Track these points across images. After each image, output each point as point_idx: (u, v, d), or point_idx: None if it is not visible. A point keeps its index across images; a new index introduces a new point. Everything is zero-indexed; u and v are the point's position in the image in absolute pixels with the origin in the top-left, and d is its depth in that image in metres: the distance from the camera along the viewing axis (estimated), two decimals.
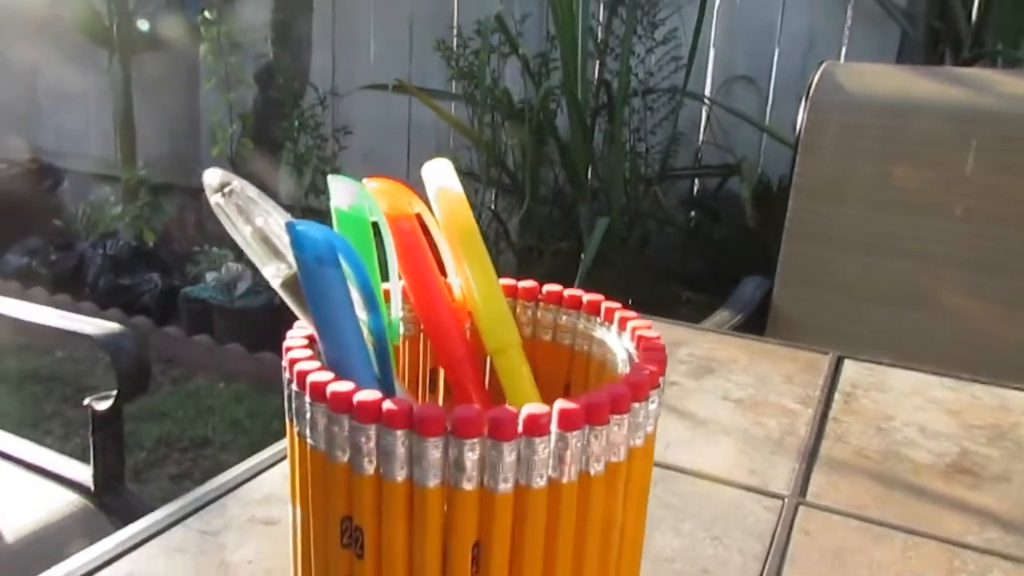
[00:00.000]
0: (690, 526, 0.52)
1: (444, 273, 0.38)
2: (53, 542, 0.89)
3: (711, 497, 0.55)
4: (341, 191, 0.35)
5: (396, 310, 0.35)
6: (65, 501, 0.95)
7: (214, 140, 2.58)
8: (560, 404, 0.29)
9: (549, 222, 2.27)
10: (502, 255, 2.34)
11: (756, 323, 1.26)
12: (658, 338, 0.34)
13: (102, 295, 2.72)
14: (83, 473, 0.98)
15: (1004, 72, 1.60)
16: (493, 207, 2.37)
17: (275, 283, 0.33)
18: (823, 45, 2.23)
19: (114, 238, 2.84)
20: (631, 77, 2.20)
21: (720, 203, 2.29)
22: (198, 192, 2.80)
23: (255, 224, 0.32)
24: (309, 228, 0.29)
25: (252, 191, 0.32)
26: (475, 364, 0.37)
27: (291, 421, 0.33)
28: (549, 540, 0.30)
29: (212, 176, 0.32)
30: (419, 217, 0.37)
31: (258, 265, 0.33)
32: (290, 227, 0.30)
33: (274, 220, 0.32)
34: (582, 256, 1.86)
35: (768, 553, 0.50)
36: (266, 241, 0.32)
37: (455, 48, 2.35)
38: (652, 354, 0.33)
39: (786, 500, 0.55)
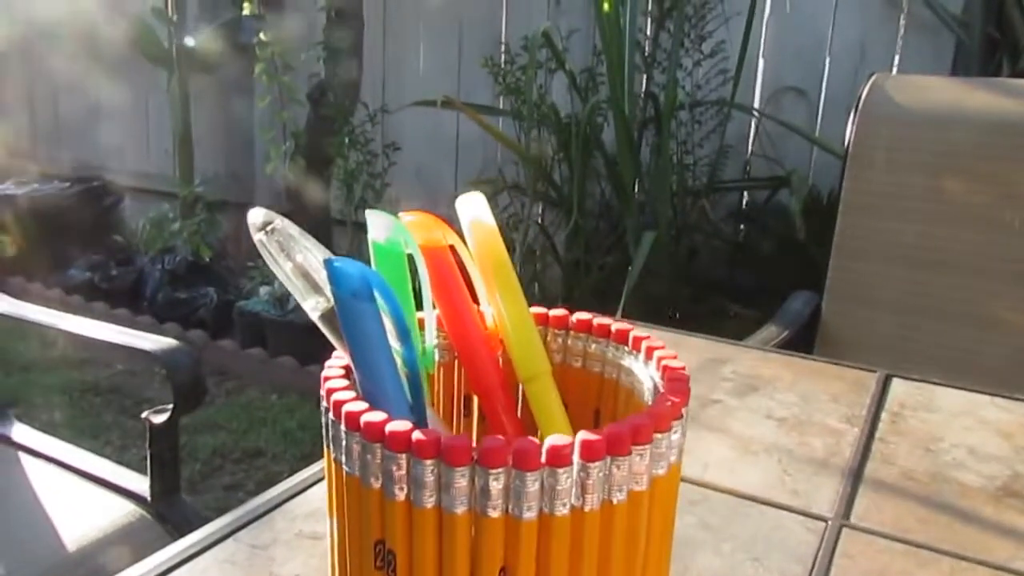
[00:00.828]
0: (730, 547, 0.52)
1: (477, 303, 0.40)
2: (111, 552, 0.93)
3: (752, 518, 0.55)
4: (378, 225, 0.37)
5: (430, 338, 0.37)
6: (123, 511, 0.98)
7: (267, 158, 2.64)
8: (582, 435, 0.30)
9: (596, 236, 2.28)
10: (549, 269, 2.35)
11: (804, 340, 1.24)
12: (683, 368, 0.35)
13: (160, 309, 2.80)
14: (140, 484, 1.01)
15: None
16: (540, 221, 2.38)
17: (314, 316, 0.35)
18: (875, 55, 2.20)
19: (172, 254, 2.92)
20: (678, 90, 2.19)
21: (769, 216, 2.26)
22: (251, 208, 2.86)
23: (295, 260, 0.34)
24: (345, 264, 0.31)
25: (293, 229, 0.34)
26: (507, 392, 0.39)
27: (328, 447, 0.34)
28: (573, 566, 0.31)
29: (256, 215, 0.33)
30: (453, 249, 0.38)
31: (298, 299, 0.35)
32: (328, 264, 0.31)
33: (313, 256, 0.34)
34: (629, 270, 1.86)
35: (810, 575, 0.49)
36: (306, 276, 0.34)
37: (502, 64, 2.37)
38: (676, 385, 0.34)
39: (829, 522, 0.55)
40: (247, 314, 2.58)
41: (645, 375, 0.38)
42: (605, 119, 2.26)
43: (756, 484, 0.59)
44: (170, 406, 0.97)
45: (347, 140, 2.50)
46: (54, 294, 2.96)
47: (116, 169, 3.49)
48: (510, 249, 2.25)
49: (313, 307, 0.34)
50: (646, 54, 2.27)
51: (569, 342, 0.41)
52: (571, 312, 0.41)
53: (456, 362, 0.42)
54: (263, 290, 2.59)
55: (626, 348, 0.39)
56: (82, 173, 3.44)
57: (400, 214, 0.37)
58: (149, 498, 1.00)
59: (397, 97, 2.77)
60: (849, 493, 0.58)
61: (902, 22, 2.19)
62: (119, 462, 1.09)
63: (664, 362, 0.36)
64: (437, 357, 0.41)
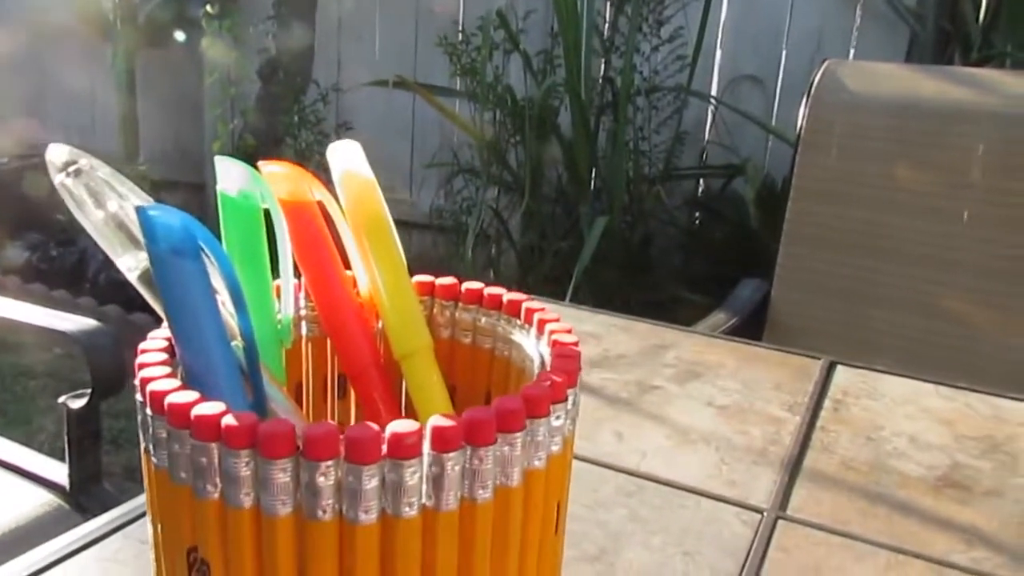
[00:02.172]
0: (660, 540, 0.49)
1: (348, 268, 0.35)
2: (25, 543, 0.87)
3: (687, 509, 0.53)
4: (229, 174, 0.31)
5: (287, 309, 0.32)
6: (40, 501, 0.93)
7: (216, 135, 2.56)
8: (434, 421, 0.25)
9: (551, 221, 2.25)
10: (503, 254, 2.31)
11: (754, 327, 1.23)
12: (575, 344, 0.31)
13: (102, 291, 2.71)
14: (59, 472, 0.96)
15: (1013, 73, 1.56)
16: (495, 205, 2.35)
17: (132, 276, 0.29)
18: (832, 45, 2.20)
19: None
20: (635, 75, 2.17)
21: (724, 204, 2.25)
22: (201, 188, 2.80)
23: (108, 209, 0.29)
24: (163, 213, 0.26)
25: (105, 170, 0.29)
26: (382, 371, 0.34)
27: (140, 436, 0.29)
28: None
29: (57, 153, 0.28)
30: (322, 206, 0.34)
31: (112, 256, 0.29)
32: (140, 212, 0.26)
33: (131, 205, 0.29)
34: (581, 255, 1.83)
35: (742, 571, 0.47)
36: (121, 228, 0.29)
37: (458, 44, 2.33)
38: (563, 362, 0.30)
39: (765, 514, 0.52)
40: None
41: (536, 352, 0.33)
42: (561, 102, 2.23)
43: (692, 474, 0.56)
44: (89, 391, 0.92)
45: (297, 119, 2.44)
46: None
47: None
48: (464, 233, 2.22)
49: (132, 266, 0.29)
50: (604, 38, 2.24)
51: (458, 315, 0.36)
52: (461, 282, 0.36)
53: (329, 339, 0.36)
54: None
55: (518, 321, 0.34)
56: (21, 149, 3.32)
57: (260, 163, 0.33)
58: (68, 487, 0.95)
59: (353, 76, 2.71)
60: (787, 484, 0.56)
61: (858, 13, 2.19)
62: (52, 450, 1.03)
63: (555, 336, 0.31)
64: (305, 331, 0.36)
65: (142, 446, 0.29)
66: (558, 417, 0.29)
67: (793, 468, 0.58)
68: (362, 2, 2.77)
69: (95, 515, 0.98)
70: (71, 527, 0.97)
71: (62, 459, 0.99)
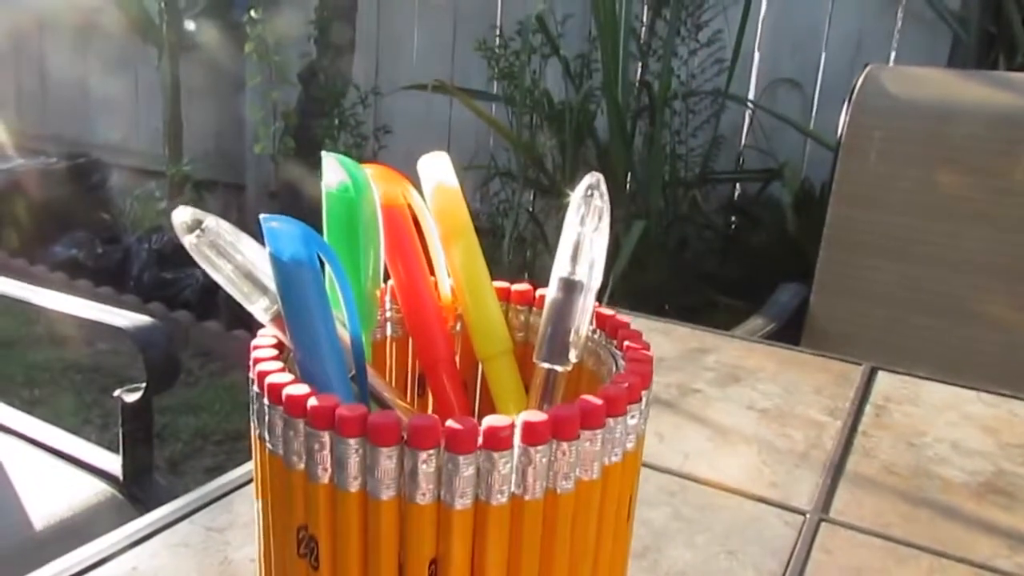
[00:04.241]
0: (704, 539, 0.50)
1: (432, 272, 0.37)
2: (80, 532, 0.91)
3: (729, 510, 0.54)
4: (333, 169, 0.33)
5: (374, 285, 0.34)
6: (94, 491, 0.96)
7: (257, 138, 2.61)
8: (525, 416, 0.27)
9: None
10: (539, 257, 2.33)
11: (791, 332, 1.23)
12: (647, 349, 0.33)
13: (145, 289, 2.77)
14: (113, 463, 0.99)
15: None
16: (531, 208, 2.36)
17: (265, 318, 0.32)
18: (871, 49, 2.18)
19: (159, 233, 2.89)
20: (673, 79, 2.17)
21: (761, 208, 2.24)
22: (242, 188, 2.84)
23: (235, 261, 0.31)
24: (283, 224, 0.28)
25: (226, 227, 0.31)
26: (455, 369, 0.36)
27: (253, 423, 0.32)
28: (512, 562, 0.28)
29: (182, 215, 0.30)
30: (411, 210, 0.36)
31: (245, 304, 0.32)
32: (264, 223, 0.29)
33: (252, 253, 0.31)
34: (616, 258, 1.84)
35: (785, 571, 0.48)
36: (249, 277, 0.31)
37: (496, 48, 2.34)
38: (636, 366, 0.32)
39: (808, 516, 0.53)
40: (234, 300, 2.54)
41: (609, 357, 0.35)
42: (598, 107, 2.23)
43: (734, 476, 0.57)
44: (143, 384, 0.95)
45: (337, 122, 2.47)
46: (38, 271, 2.92)
47: (104, 146, 3.46)
48: (500, 236, 2.24)
49: (264, 309, 0.32)
50: (641, 42, 2.25)
51: (531, 320, 0.38)
52: (535, 288, 0.38)
53: (411, 339, 0.39)
54: None
55: (590, 327, 0.36)
56: (69, 149, 3.40)
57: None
58: (121, 478, 0.98)
59: (390, 80, 2.74)
60: (829, 486, 0.57)
61: (899, 16, 2.17)
62: (99, 442, 1.06)
63: (627, 342, 0.33)
64: (389, 331, 0.39)
65: (254, 433, 0.32)
66: (633, 416, 0.31)
67: (835, 471, 0.59)
68: (401, 6, 2.81)
69: (147, 505, 1.02)
70: (124, 516, 1.00)
71: (112, 451, 1.02)
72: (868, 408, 0.69)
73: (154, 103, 3.20)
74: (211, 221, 0.30)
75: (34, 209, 3.06)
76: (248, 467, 0.53)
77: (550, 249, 2.28)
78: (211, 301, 2.65)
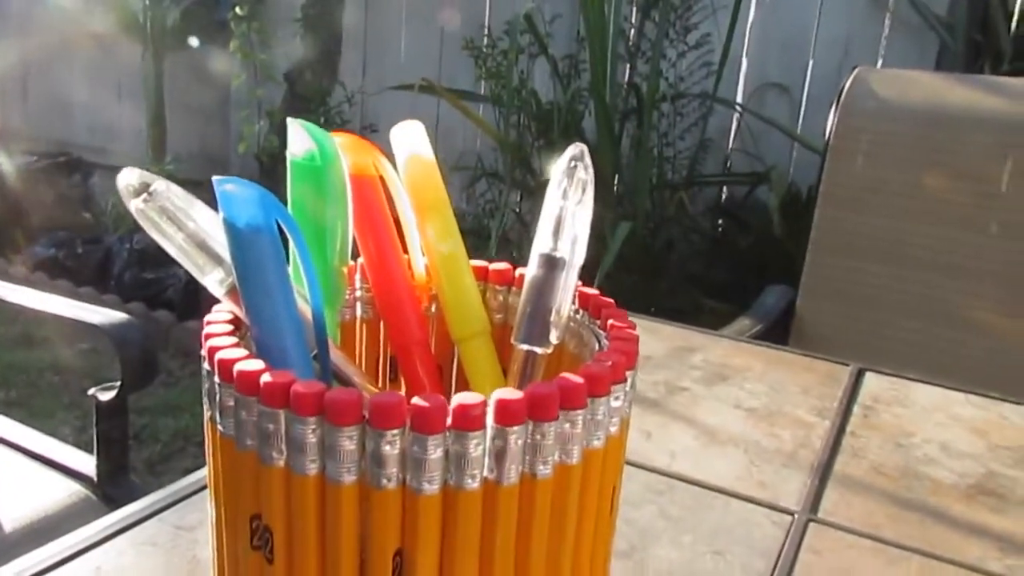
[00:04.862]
0: (691, 539, 0.49)
1: (405, 249, 0.35)
2: (51, 533, 0.88)
3: (716, 510, 0.52)
4: (298, 138, 0.31)
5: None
6: (68, 492, 0.94)
7: (241, 137, 2.59)
8: (499, 394, 0.25)
9: None
10: (525, 259, 2.31)
11: (778, 334, 1.22)
12: (632, 327, 0.31)
13: (126, 289, 2.73)
14: (87, 464, 0.97)
15: None
16: (517, 209, 2.35)
17: (219, 291, 0.30)
18: (859, 54, 2.19)
19: (141, 233, 2.85)
20: (661, 81, 2.17)
21: (747, 211, 2.24)
22: None
23: (187, 228, 0.29)
24: (240, 187, 0.26)
25: (177, 191, 0.29)
26: (429, 352, 0.34)
27: (205, 405, 0.30)
28: (484, 553, 0.26)
29: (129, 177, 0.28)
30: (383, 182, 0.34)
31: (196, 275, 0.29)
32: (217, 185, 0.27)
33: (206, 222, 0.29)
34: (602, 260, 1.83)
35: (773, 571, 0.47)
36: (203, 247, 0.29)
37: (484, 48, 2.33)
38: (621, 344, 0.30)
39: (796, 516, 0.52)
40: (215, 296, 2.52)
41: (592, 338, 0.33)
42: (586, 107, 2.22)
43: (722, 475, 0.56)
44: (118, 383, 0.93)
45: (323, 120, 2.45)
46: (17, 271, 2.89)
47: (85, 145, 3.42)
48: (486, 236, 2.22)
49: (219, 281, 0.29)
50: (630, 43, 2.24)
51: (511, 300, 0.36)
52: (515, 267, 0.36)
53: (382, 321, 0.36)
54: None
55: (573, 307, 0.34)
56: (50, 148, 3.36)
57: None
58: (96, 478, 0.96)
59: (378, 79, 2.72)
60: (817, 487, 0.56)
61: (887, 22, 2.18)
62: (75, 443, 1.04)
63: (611, 320, 0.31)
64: (359, 312, 0.36)
65: (207, 415, 0.29)
66: (617, 398, 0.29)
67: (823, 472, 0.58)
68: (389, 5, 2.79)
69: (121, 506, 1.00)
70: (99, 517, 0.98)
71: (87, 452, 1.00)
72: (856, 409, 0.68)
73: (137, 101, 3.17)
74: (160, 184, 0.28)
75: (14, 208, 3.02)
76: None
77: None
78: (193, 301, 2.62)
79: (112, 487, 0.96)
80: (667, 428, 0.62)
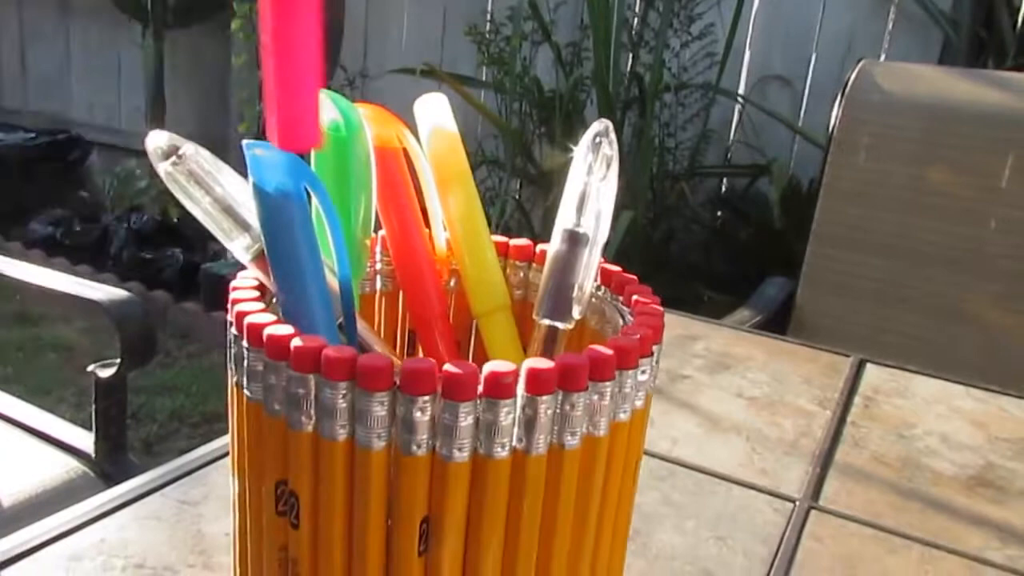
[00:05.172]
0: (694, 524, 0.49)
1: (427, 223, 0.35)
2: (49, 509, 0.88)
3: (718, 496, 0.52)
4: (324, 109, 0.31)
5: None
6: (65, 468, 0.94)
7: (241, 118, 2.57)
8: (530, 363, 0.25)
9: None
10: None
11: (777, 326, 1.22)
12: (657, 302, 0.31)
13: (124, 268, 2.73)
14: (86, 441, 0.97)
15: None
16: (518, 197, 2.34)
17: (246, 257, 0.29)
18: (862, 48, 2.18)
19: (139, 212, 2.84)
20: (664, 71, 2.16)
21: (748, 203, 2.24)
22: None
23: (214, 193, 0.28)
24: (270, 152, 0.26)
25: (206, 155, 0.28)
26: (448, 326, 0.34)
27: (229, 370, 0.29)
28: (511, 522, 0.26)
29: (158, 139, 0.28)
30: (406, 155, 0.33)
31: (223, 240, 0.29)
32: (247, 149, 0.26)
33: (234, 187, 0.29)
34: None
35: (775, 557, 0.47)
36: (229, 212, 0.29)
37: (487, 34, 2.32)
38: (647, 319, 0.30)
39: (797, 503, 0.52)
40: (213, 277, 2.51)
41: (615, 314, 0.33)
42: (588, 96, 2.22)
43: (724, 462, 0.56)
44: (117, 360, 0.92)
45: None
46: (14, 247, 2.88)
47: (84, 123, 3.40)
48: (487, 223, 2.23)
49: (246, 246, 0.29)
50: (633, 32, 2.23)
51: (531, 276, 0.36)
52: (535, 243, 0.36)
53: (401, 293, 0.36)
54: (230, 253, 2.53)
55: (595, 283, 0.34)
56: (49, 125, 3.34)
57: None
58: (94, 455, 0.96)
59: (379, 63, 2.71)
60: (819, 475, 0.56)
61: (891, 16, 2.17)
62: (73, 420, 1.04)
63: (635, 296, 0.31)
64: (379, 285, 0.36)
65: (231, 380, 0.29)
66: (643, 371, 0.29)
67: (825, 460, 0.58)
68: None
69: (120, 483, 1.00)
70: (96, 494, 0.98)
71: (86, 429, 1.00)
72: (857, 399, 0.68)
73: (137, 80, 3.15)
74: (189, 148, 0.28)
75: (11, 185, 3.00)
76: (225, 440, 0.51)
77: (536, 239, 2.26)
78: (191, 282, 2.61)
79: (110, 464, 0.96)
80: (669, 415, 0.63)
